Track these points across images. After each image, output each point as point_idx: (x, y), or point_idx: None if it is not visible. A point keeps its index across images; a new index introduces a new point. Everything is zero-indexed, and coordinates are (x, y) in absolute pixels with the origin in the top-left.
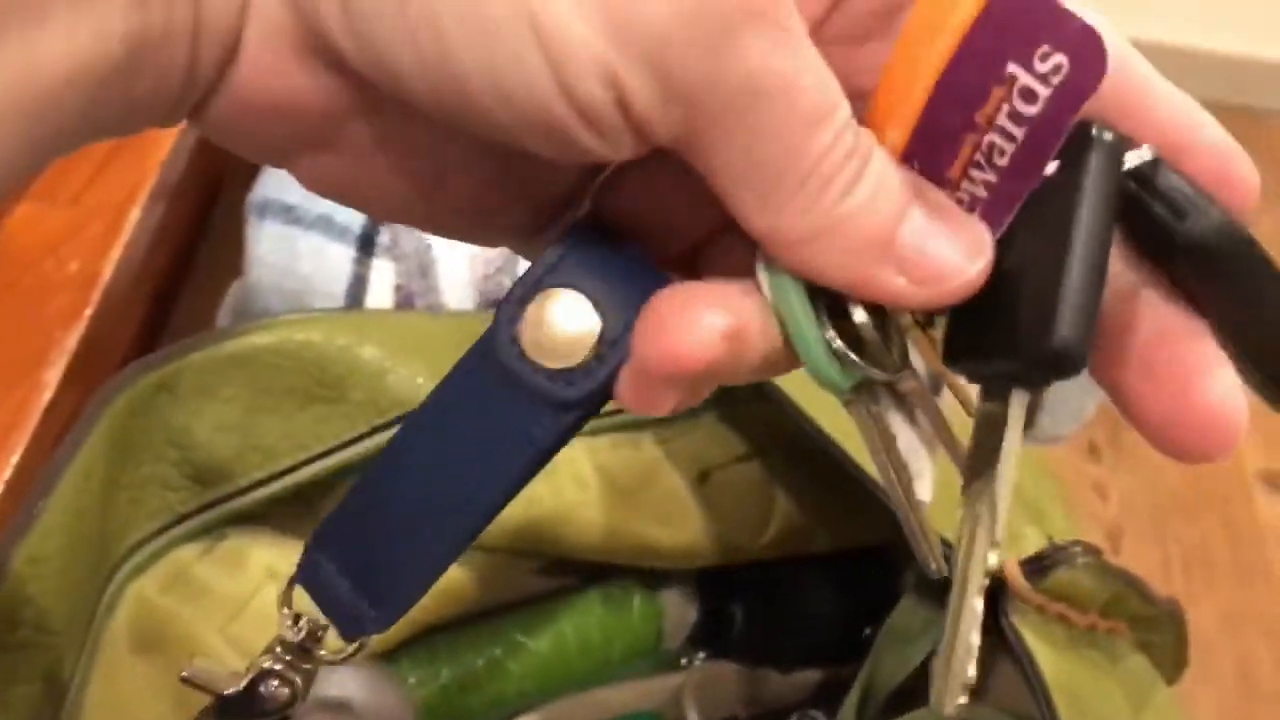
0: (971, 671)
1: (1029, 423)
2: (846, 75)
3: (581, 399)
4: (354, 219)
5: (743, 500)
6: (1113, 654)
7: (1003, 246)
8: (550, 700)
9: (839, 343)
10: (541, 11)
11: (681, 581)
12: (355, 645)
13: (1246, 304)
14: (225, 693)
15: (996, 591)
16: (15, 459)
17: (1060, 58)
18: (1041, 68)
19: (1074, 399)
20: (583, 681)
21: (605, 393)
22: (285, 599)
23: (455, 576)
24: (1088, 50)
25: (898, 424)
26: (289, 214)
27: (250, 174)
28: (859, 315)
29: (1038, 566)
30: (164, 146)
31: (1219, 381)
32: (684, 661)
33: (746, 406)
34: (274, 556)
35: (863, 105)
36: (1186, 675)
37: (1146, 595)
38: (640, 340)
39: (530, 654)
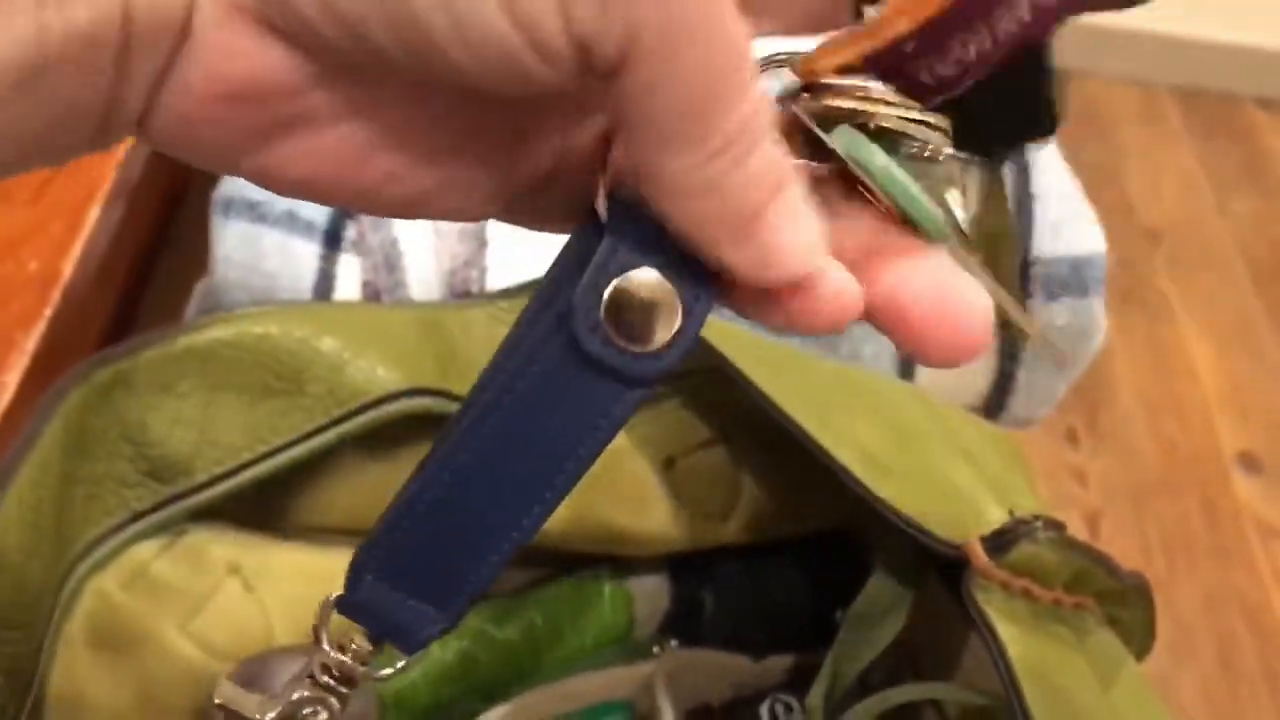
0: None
1: (1001, 405)
2: None
3: (662, 371)
4: (319, 214)
5: (708, 486)
6: (1080, 630)
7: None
8: (522, 691)
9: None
10: None
11: (652, 569)
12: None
13: None
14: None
15: (960, 569)
16: None
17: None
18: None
19: (1045, 382)
20: (555, 671)
21: (680, 360)
22: (323, 622)
23: None
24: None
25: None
26: (254, 210)
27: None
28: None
29: (999, 542)
30: (124, 143)
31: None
32: (656, 649)
33: (710, 391)
34: (234, 552)
35: None
36: (1167, 657)
37: (1112, 570)
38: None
39: (501, 645)
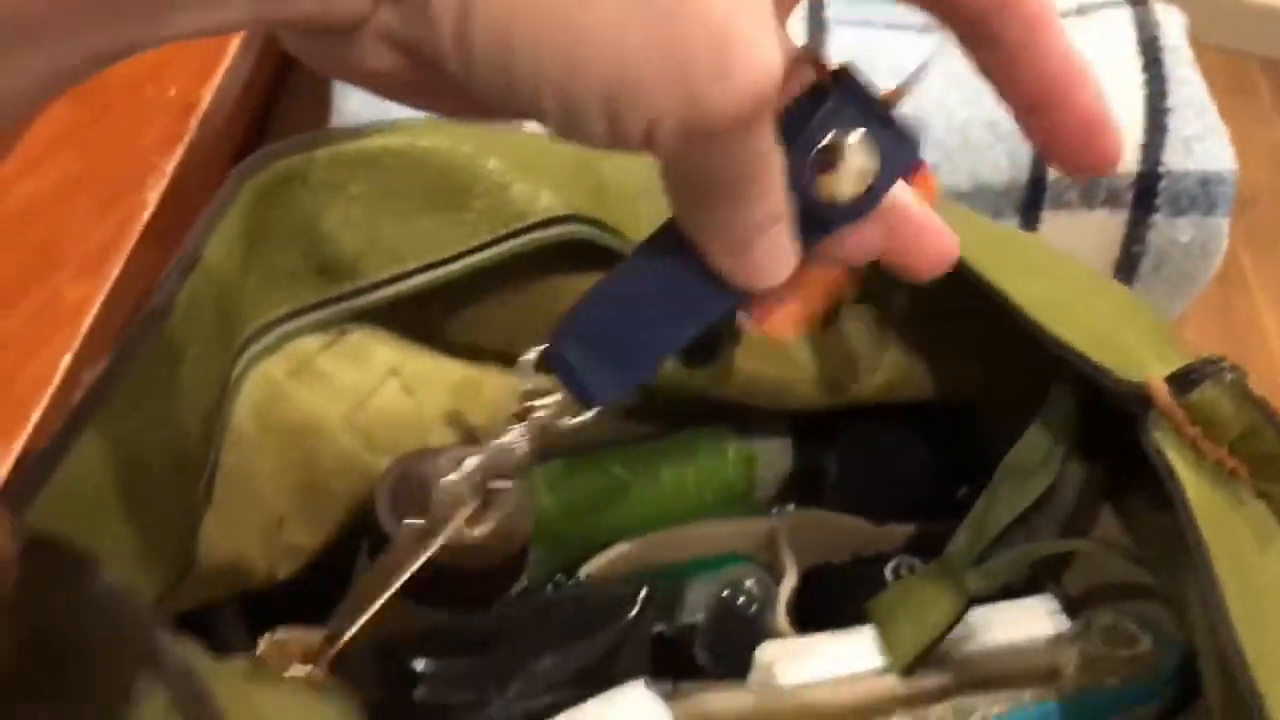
0: None
1: None
2: None
3: (849, 221)
4: None
5: (852, 342)
6: (1237, 495)
7: None
8: (644, 534)
9: None
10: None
11: (777, 432)
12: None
13: None
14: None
15: (1139, 409)
16: (115, 272)
17: None
18: None
19: (1162, 301)
20: (676, 520)
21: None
22: (524, 373)
23: None
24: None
25: None
26: None
27: None
28: None
29: (1185, 381)
30: None
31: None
32: (775, 511)
33: None
34: (395, 355)
35: None
36: None
37: None
38: None
39: (626, 490)
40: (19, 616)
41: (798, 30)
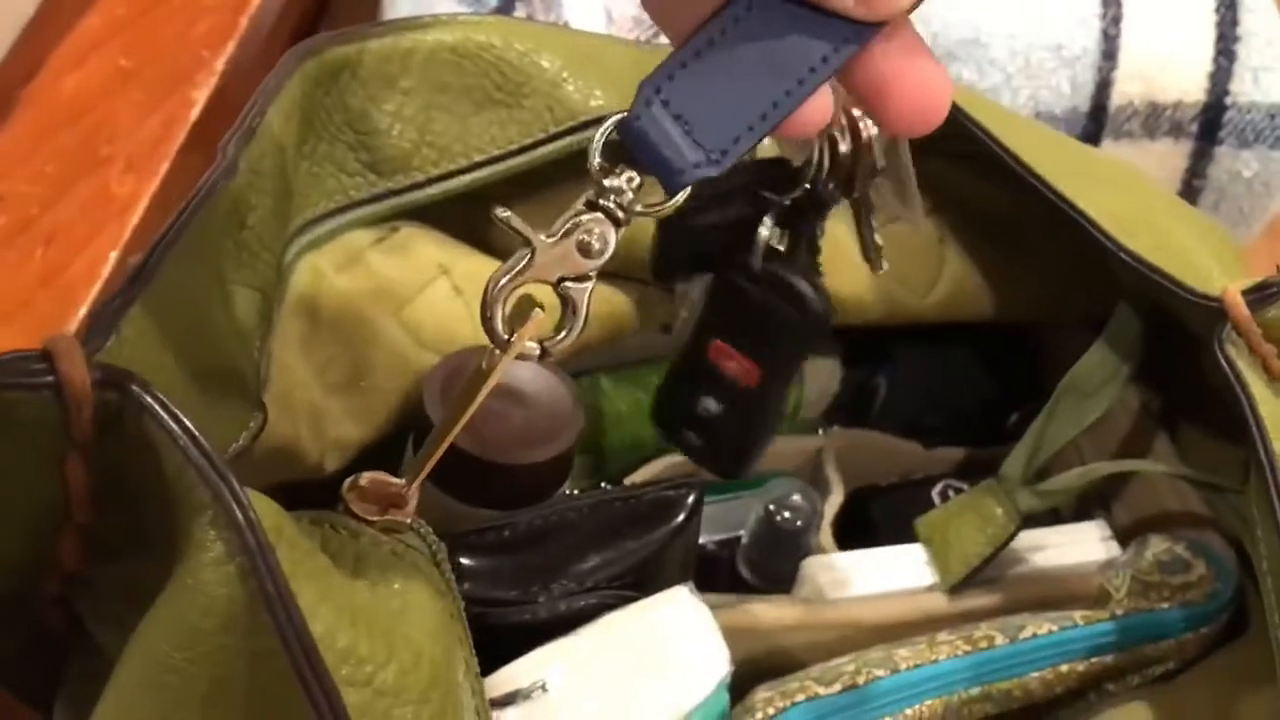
0: None
1: None
2: None
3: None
4: None
5: (911, 255)
6: None
7: None
8: None
9: None
10: None
11: (827, 351)
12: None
13: None
14: (543, 239)
15: (1211, 324)
16: (164, 168)
17: None
18: None
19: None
20: None
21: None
22: (596, 149)
23: (614, 301)
24: None
25: None
26: None
27: None
28: None
29: (1262, 294)
30: None
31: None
32: (821, 431)
33: (923, 163)
34: (445, 254)
35: None
36: None
37: None
38: None
39: None
40: (96, 455)
41: None
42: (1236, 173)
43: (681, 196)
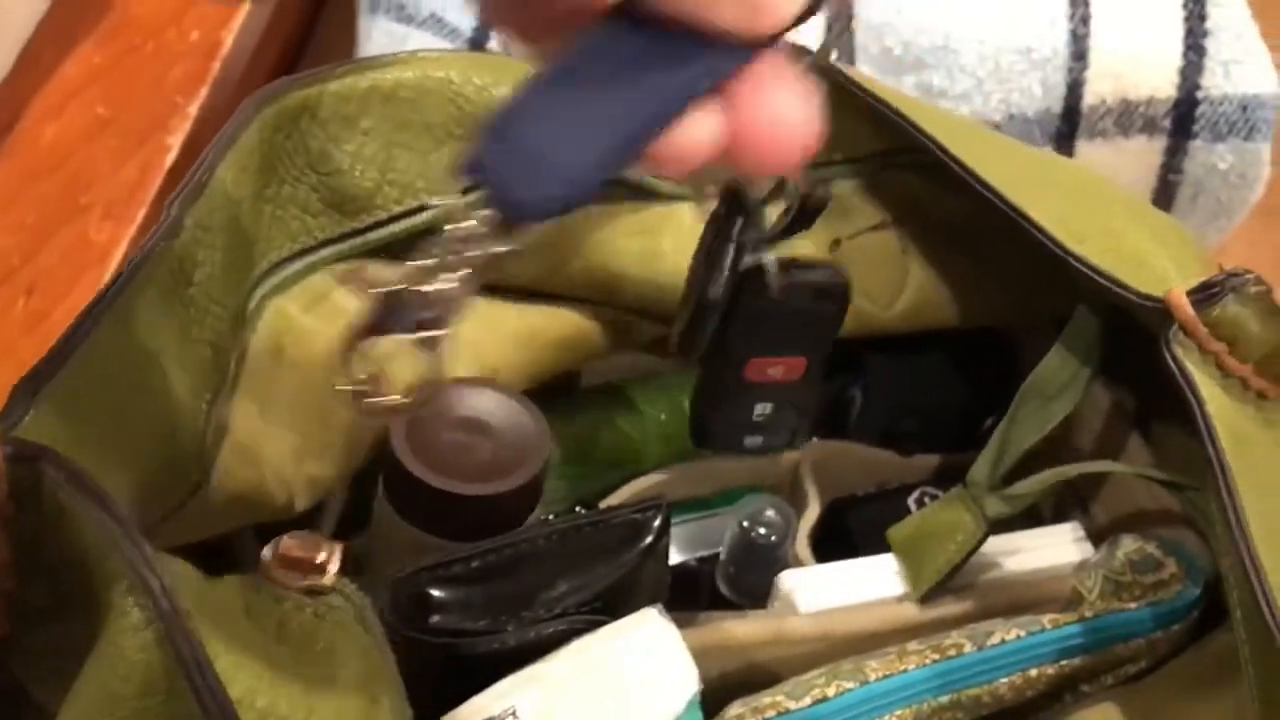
0: None
1: None
2: None
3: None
4: (464, 21)
5: (874, 268)
6: (1267, 419)
7: None
8: (669, 466)
9: None
10: None
11: None
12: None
13: None
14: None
15: (1160, 325)
16: (141, 214)
17: None
18: None
19: (1197, 230)
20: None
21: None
22: (457, 175)
23: (580, 326)
24: None
25: None
26: (400, 11)
27: None
28: None
29: (1206, 294)
30: None
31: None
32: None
33: (882, 176)
34: None
35: None
36: None
37: None
38: None
39: (651, 421)
40: (15, 526)
41: None
42: (1212, 166)
43: (531, 232)
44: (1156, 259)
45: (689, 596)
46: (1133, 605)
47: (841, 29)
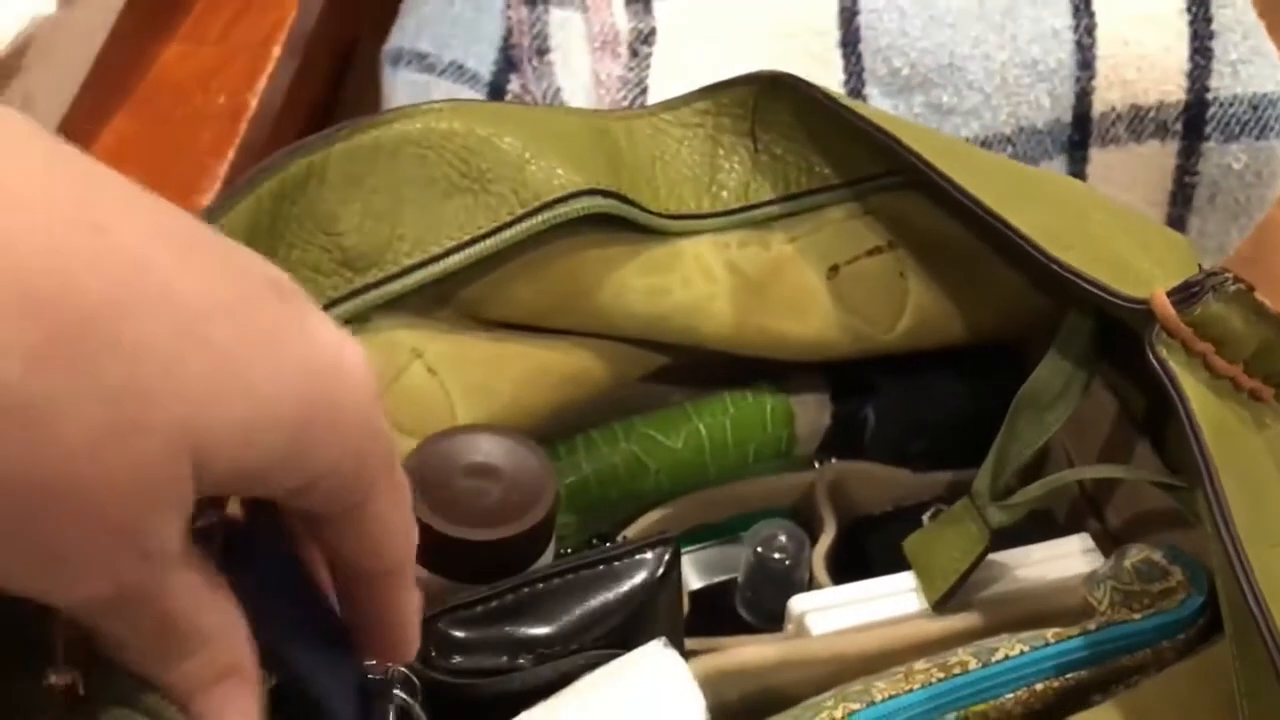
0: None
1: None
2: None
3: None
4: (484, 66)
5: (873, 292)
6: (1258, 418)
7: None
8: (685, 495)
9: None
10: None
11: (813, 387)
12: None
13: None
14: None
15: (1143, 324)
16: None
17: None
18: None
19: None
20: (717, 480)
21: None
22: None
23: (584, 362)
24: None
25: None
26: (422, 61)
27: (385, 26)
28: None
29: (1186, 294)
30: None
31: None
32: (816, 465)
33: (876, 200)
34: (418, 337)
35: None
36: None
37: None
38: None
39: (666, 451)
40: None
41: None
42: (1227, 166)
43: None
44: (1140, 263)
45: (710, 620)
46: (1138, 616)
47: None
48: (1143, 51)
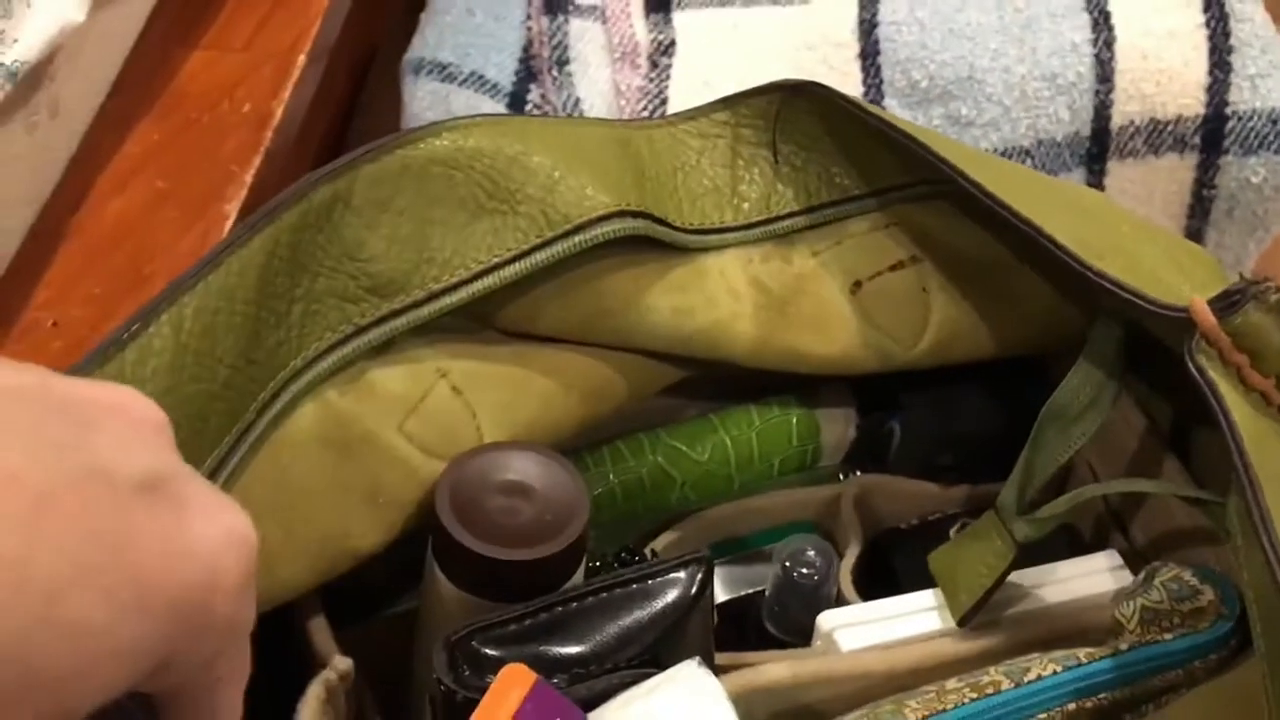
0: None
1: None
2: None
3: None
4: (504, 76)
5: (896, 308)
6: None
7: None
8: (710, 507)
9: None
10: None
11: (839, 401)
12: None
13: None
14: None
15: (1182, 336)
16: None
17: None
18: None
19: (1235, 242)
20: (742, 493)
21: None
22: None
23: (608, 376)
24: None
25: None
26: (443, 71)
27: (405, 36)
28: None
29: (1228, 301)
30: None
31: None
32: (841, 478)
33: (899, 214)
34: (441, 356)
35: None
36: None
37: None
38: None
39: (692, 463)
40: None
41: None
42: (1245, 180)
43: None
44: (1170, 275)
45: (736, 634)
46: (1169, 636)
47: None
48: (1162, 65)
